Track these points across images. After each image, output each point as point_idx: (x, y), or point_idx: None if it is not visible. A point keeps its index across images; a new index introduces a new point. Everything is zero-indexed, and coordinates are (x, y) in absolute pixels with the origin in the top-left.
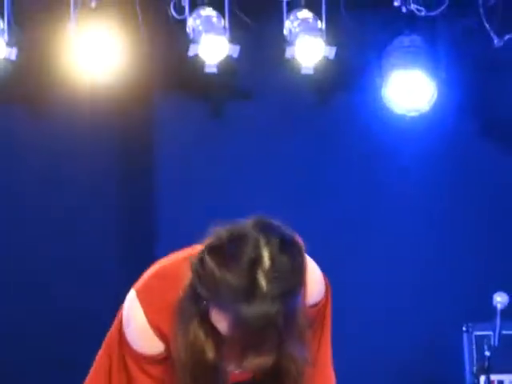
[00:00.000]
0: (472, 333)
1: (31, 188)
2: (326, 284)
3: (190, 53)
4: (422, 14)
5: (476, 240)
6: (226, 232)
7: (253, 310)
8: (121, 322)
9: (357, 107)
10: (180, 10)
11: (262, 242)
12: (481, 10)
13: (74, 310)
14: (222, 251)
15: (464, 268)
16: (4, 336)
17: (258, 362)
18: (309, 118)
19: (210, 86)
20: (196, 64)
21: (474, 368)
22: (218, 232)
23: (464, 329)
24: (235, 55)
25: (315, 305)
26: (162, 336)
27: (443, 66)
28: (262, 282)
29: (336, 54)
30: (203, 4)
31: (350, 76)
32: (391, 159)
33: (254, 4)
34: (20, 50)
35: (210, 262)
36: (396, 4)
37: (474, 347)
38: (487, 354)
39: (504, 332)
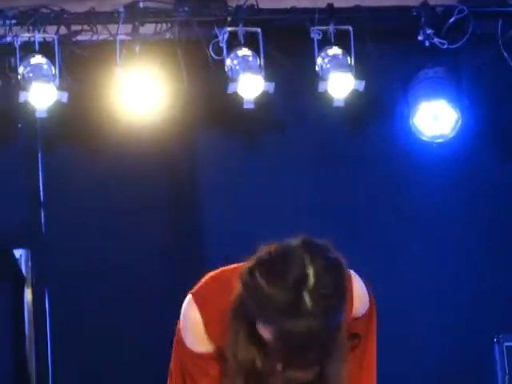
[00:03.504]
0: (503, 343)
1: (88, 219)
2: (370, 295)
3: (229, 90)
4: (445, 46)
5: (505, 253)
6: (275, 249)
7: (296, 326)
8: (178, 326)
9: (387, 136)
10: (218, 51)
11: (307, 260)
12: (500, 42)
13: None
14: (271, 267)
15: (495, 280)
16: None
17: (299, 375)
18: (341, 147)
19: (249, 120)
20: (235, 101)
21: (507, 377)
22: (267, 248)
23: (495, 340)
24: (271, 91)
25: (361, 317)
26: (214, 338)
27: (466, 95)
28: (307, 299)
29: (365, 86)
30: (240, 45)
31: (379, 107)
32: (421, 182)
33: (288, 43)
34: (70, 94)
35: (258, 277)
36: (420, 38)
37: (506, 358)
38: None
39: None
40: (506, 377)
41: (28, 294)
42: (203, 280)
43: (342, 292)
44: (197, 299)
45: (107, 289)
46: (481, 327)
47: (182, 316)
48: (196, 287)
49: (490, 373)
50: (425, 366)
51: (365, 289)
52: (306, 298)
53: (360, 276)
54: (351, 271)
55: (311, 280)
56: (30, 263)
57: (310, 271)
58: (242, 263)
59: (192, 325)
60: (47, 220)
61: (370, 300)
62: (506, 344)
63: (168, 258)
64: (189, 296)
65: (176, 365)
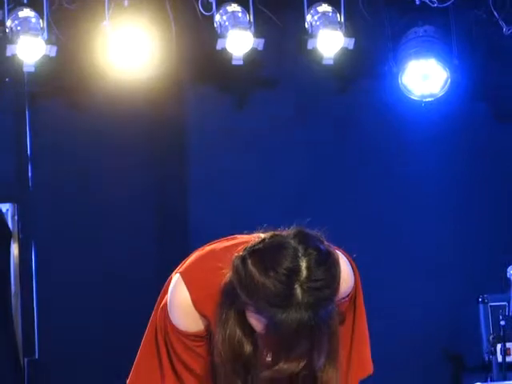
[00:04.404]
0: (487, 303)
1: (74, 174)
2: (354, 271)
3: (218, 46)
4: (435, 5)
5: (490, 216)
6: (269, 238)
7: (287, 317)
8: (165, 302)
9: (375, 94)
10: (208, 6)
11: (300, 252)
12: (490, 1)
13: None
14: (263, 257)
15: (480, 242)
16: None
17: (288, 366)
18: (330, 104)
19: (237, 77)
20: (224, 57)
21: (491, 337)
22: (261, 237)
23: (479, 300)
24: (260, 48)
25: (346, 296)
26: (204, 315)
27: (456, 54)
28: (298, 291)
29: (354, 44)
30: (229, 0)
31: (369, 65)
32: (407, 142)
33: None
34: (59, 48)
35: (250, 265)
36: None
37: (490, 317)
38: (502, 323)
39: None
40: (491, 336)
41: (14, 248)
42: (192, 259)
43: (334, 285)
44: (185, 278)
45: (93, 244)
46: (466, 287)
47: (169, 294)
48: (184, 266)
49: (475, 332)
50: (411, 326)
51: (351, 269)
52: (298, 290)
53: (346, 242)
54: (339, 252)
55: (303, 272)
56: (16, 217)
57: (303, 263)
58: (231, 241)
59: (181, 303)
60: (34, 175)
61: (355, 277)
62: (490, 304)
63: (154, 212)
64: (177, 275)
65: (161, 336)
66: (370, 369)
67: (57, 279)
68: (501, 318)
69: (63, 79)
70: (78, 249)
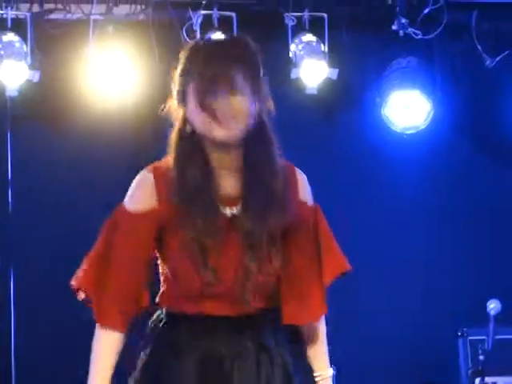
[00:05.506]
0: (467, 337)
1: (55, 200)
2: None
3: None
4: (419, 37)
5: (471, 250)
6: None
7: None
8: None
9: (358, 125)
10: (192, 34)
11: None
12: (474, 33)
13: None
14: None
15: (460, 276)
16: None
17: (234, 102)
18: (313, 134)
19: None
20: None
21: (469, 371)
22: None
23: (459, 333)
24: None
25: (307, 206)
26: (160, 193)
27: (439, 86)
28: None
29: (338, 75)
30: (214, 29)
31: (352, 96)
32: (391, 173)
33: (262, 28)
34: (42, 73)
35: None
36: (394, 28)
37: (469, 351)
38: (481, 357)
39: (497, 337)
40: (469, 370)
41: None
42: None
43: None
44: (150, 167)
45: (74, 270)
46: (446, 321)
47: (133, 182)
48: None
49: (454, 366)
50: (389, 356)
51: (308, 185)
52: None
53: None
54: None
55: None
56: None
57: None
58: None
59: (142, 181)
60: (14, 199)
61: (314, 203)
62: (469, 338)
63: None
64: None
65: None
66: (345, 265)
67: (35, 305)
68: (480, 352)
69: (46, 104)
70: (57, 275)
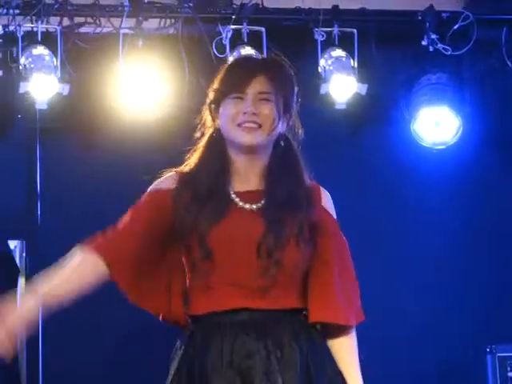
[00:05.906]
0: (495, 354)
1: (84, 212)
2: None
3: None
4: (448, 53)
5: (502, 266)
6: None
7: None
8: None
9: (387, 140)
10: (221, 48)
11: None
12: (503, 50)
13: None
14: None
15: (492, 292)
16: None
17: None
18: (341, 149)
19: None
20: None
21: None
22: None
23: (488, 350)
24: None
25: (328, 213)
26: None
27: (468, 102)
28: None
29: (367, 90)
30: (243, 43)
31: (381, 111)
32: (420, 188)
33: (291, 43)
34: (71, 86)
35: None
36: (424, 43)
37: (498, 368)
38: (510, 374)
39: None
40: None
41: (22, 286)
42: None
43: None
44: (174, 170)
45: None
46: (475, 337)
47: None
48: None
49: (482, 382)
50: (416, 370)
51: (331, 201)
52: None
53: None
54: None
55: None
56: (24, 254)
57: None
58: None
59: (167, 175)
60: (43, 212)
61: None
62: (498, 355)
63: None
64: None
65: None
66: (348, 320)
67: (63, 317)
68: (509, 369)
69: (75, 117)
70: None
